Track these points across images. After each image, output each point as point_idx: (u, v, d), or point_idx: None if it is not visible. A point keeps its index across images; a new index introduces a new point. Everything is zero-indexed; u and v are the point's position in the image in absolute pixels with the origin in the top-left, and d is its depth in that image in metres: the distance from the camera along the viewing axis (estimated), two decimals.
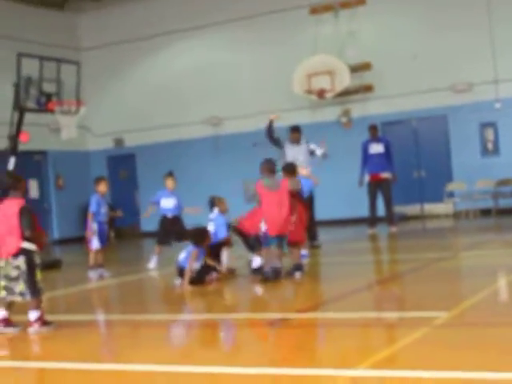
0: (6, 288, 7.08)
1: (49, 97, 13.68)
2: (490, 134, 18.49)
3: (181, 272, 9.47)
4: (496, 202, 18.02)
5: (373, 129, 15.89)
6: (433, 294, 8.08)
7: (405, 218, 18.62)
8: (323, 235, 14.20)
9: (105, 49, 22.76)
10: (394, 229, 15.46)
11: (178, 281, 9.44)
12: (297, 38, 20.02)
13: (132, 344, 6.45)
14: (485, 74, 18.26)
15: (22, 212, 7.04)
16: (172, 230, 12.04)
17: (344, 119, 19.85)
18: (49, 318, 7.23)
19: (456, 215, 18.63)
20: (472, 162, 18.47)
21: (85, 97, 15.93)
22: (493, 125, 18.39)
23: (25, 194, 7.36)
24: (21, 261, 7.01)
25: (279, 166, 10.33)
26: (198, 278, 9.37)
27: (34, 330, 7.05)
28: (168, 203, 12.22)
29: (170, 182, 12.30)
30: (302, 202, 9.95)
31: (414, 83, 18.86)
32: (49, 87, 13.68)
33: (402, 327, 6.29)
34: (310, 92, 19.30)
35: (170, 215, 12.21)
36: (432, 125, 19.14)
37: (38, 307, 7.10)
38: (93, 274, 11.42)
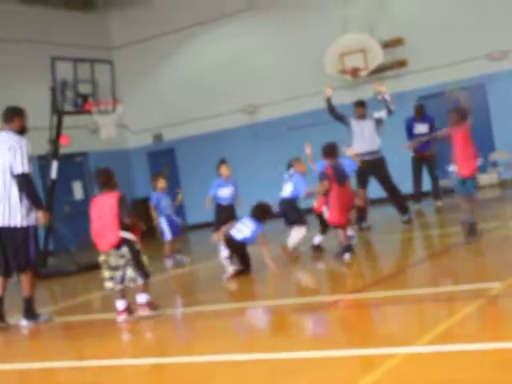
0: (111, 279, 7.32)
1: (85, 98, 13.82)
2: None
3: (232, 245, 9.37)
4: None
5: (419, 108, 15.67)
6: (485, 265, 8.01)
7: (449, 192, 18.42)
8: (374, 214, 14.15)
9: (136, 45, 22.83)
10: (439, 203, 15.34)
11: (229, 266, 9.33)
12: (327, 18, 19.84)
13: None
14: None
15: (121, 201, 7.31)
16: (227, 218, 11.63)
17: (380, 97, 19.64)
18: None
19: (501, 185, 18.37)
20: None
21: (120, 95, 16.04)
22: None
23: (117, 186, 7.60)
24: (124, 250, 7.28)
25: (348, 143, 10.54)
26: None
27: (143, 313, 7.27)
28: (225, 192, 11.70)
29: (224, 170, 11.72)
30: (343, 183, 9.82)
31: (449, 54, 18.58)
32: (84, 88, 13.82)
33: (457, 301, 6.23)
34: (343, 72, 19.16)
35: (224, 203, 11.71)
36: (470, 95, 18.85)
37: (146, 290, 7.34)
38: (168, 263, 11.78)
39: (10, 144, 7.82)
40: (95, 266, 12.51)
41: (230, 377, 4.85)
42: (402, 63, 19.14)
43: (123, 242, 7.26)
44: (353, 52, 18.96)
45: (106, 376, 5.45)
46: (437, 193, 15.51)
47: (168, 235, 11.85)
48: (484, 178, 18.74)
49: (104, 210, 7.34)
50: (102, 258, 7.39)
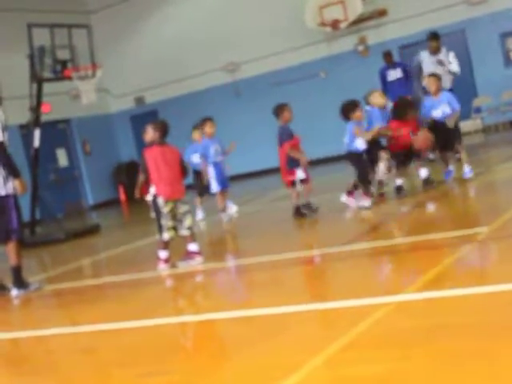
0: (174, 228, 7.65)
1: (64, 64, 13.67)
2: (510, 43, 18.12)
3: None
4: None
5: (387, 55, 15.60)
6: (471, 210, 8.08)
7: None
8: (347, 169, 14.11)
9: (113, 8, 22.55)
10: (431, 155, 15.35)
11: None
12: None
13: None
14: None
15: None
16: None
17: (361, 48, 19.56)
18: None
19: (485, 130, 18.41)
20: (495, 75, 18.15)
21: (100, 59, 15.88)
22: None
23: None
24: (187, 198, 7.73)
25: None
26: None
27: (197, 260, 7.57)
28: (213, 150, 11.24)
29: (209, 128, 11.24)
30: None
31: (428, 2, 18.46)
32: (63, 54, 13.66)
33: (445, 247, 6.27)
34: (323, 24, 19.02)
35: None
36: (451, 41, 18.76)
37: (195, 240, 7.68)
38: (224, 217, 11.03)
39: None
40: (83, 233, 12.49)
41: (230, 332, 4.90)
42: (382, 13, 19.01)
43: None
44: (332, 4, 18.80)
45: (101, 340, 5.48)
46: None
47: (215, 187, 10.98)
48: (467, 125, 18.78)
49: (172, 161, 7.69)
50: (169, 207, 7.62)
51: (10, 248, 7.88)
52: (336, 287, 5.65)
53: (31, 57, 13.26)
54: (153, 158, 7.70)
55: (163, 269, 7.71)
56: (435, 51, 12.04)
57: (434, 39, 12.15)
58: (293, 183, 9.58)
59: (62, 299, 7.66)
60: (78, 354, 5.27)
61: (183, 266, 7.60)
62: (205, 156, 11.11)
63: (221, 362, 4.35)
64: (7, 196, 7.86)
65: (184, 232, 7.66)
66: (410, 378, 3.38)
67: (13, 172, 7.86)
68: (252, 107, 20.57)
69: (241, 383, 3.79)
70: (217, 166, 11.13)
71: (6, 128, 7.90)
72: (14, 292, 7.92)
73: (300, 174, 9.55)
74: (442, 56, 12.22)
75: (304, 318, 4.95)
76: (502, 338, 3.62)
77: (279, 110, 9.80)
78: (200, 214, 11.79)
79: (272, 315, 5.07)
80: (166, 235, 7.67)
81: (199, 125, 11.45)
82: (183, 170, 7.82)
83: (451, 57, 12.15)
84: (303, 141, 9.85)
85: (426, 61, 12.08)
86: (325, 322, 4.65)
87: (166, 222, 7.64)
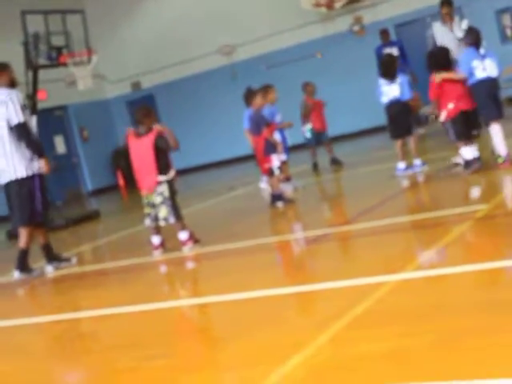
0: (149, 215, 7.63)
1: (59, 50, 13.62)
2: (507, 19, 18.06)
3: None
4: None
5: (384, 33, 15.56)
6: (468, 188, 8.07)
7: (427, 119, 18.40)
8: (344, 149, 14.14)
9: None
10: (420, 130, 15.33)
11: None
12: None
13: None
14: None
15: (157, 143, 7.44)
16: None
17: (356, 27, 19.49)
18: None
19: None
20: (492, 51, 18.07)
21: (95, 45, 15.83)
22: (509, 9, 17.94)
23: (154, 123, 7.65)
24: (164, 187, 7.53)
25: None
26: None
27: (188, 248, 7.56)
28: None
29: (273, 95, 10.97)
30: None
31: None
32: (57, 41, 13.61)
33: (444, 225, 6.27)
34: (318, 5, 18.95)
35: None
36: None
37: (185, 227, 7.62)
38: (287, 187, 10.48)
39: (2, 99, 7.85)
40: (83, 219, 12.49)
41: (231, 315, 4.92)
42: None
43: (163, 181, 7.54)
44: None
45: (103, 325, 5.51)
46: (417, 119, 15.48)
47: (281, 156, 10.01)
48: None
49: (141, 152, 7.52)
50: (144, 195, 7.67)
51: (25, 231, 7.92)
52: (335, 267, 5.66)
53: (26, 44, 13.20)
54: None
55: (157, 254, 7.72)
56: (447, 19, 11.25)
57: (445, 5, 11.35)
58: (270, 170, 9.44)
59: (63, 285, 7.68)
60: (81, 339, 5.30)
61: (186, 251, 7.60)
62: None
63: (223, 344, 4.36)
64: (33, 176, 7.89)
65: (161, 222, 7.65)
66: (413, 354, 3.41)
67: (37, 152, 7.88)
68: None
69: (244, 364, 3.81)
70: (282, 133, 10.90)
71: (24, 108, 7.91)
72: (16, 274, 7.99)
73: (276, 160, 9.44)
74: (455, 26, 11.36)
75: (306, 298, 4.98)
76: (501, 315, 3.64)
77: (250, 95, 9.68)
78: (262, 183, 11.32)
79: (273, 296, 5.09)
80: (145, 222, 7.75)
81: (261, 91, 10.37)
82: (163, 156, 7.52)
83: (464, 25, 11.19)
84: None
85: (440, 32, 11.36)
86: (327, 302, 4.67)
87: (144, 210, 7.71)
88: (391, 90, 9.77)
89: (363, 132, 18.96)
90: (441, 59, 8.91)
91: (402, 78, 9.89)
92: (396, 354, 3.46)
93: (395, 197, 8.43)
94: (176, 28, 21.56)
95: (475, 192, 7.88)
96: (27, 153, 7.86)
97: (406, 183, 9.32)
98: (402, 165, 9.69)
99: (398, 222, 6.75)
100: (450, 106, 8.66)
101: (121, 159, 21.28)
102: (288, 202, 9.37)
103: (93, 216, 13.55)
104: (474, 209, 6.45)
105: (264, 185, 11.21)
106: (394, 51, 15.25)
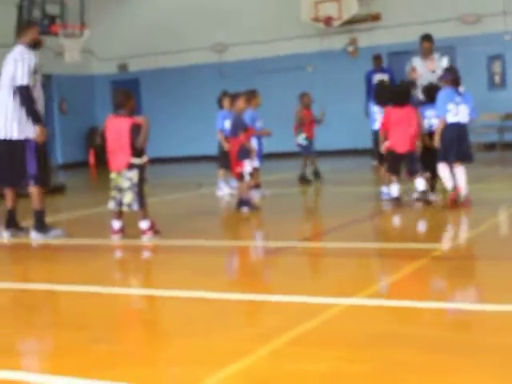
0: (114, 199, 7.57)
1: (52, 19, 13.56)
2: (497, 66, 18.30)
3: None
4: (501, 137, 17.93)
5: (377, 58, 15.70)
6: (432, 226, 8.16)
7: None
8: (326, 165, 14.21)
9: None
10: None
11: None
12: None
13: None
14: (494, 6, 17.96)
15: (134, 128, 7.40)
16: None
17: (351, 48, 19.63)
18: None
19: None
20: (478, 96, 18.24)
21: (89, 20, 15.76)
22: (501, 57, 18.18)
23: (134, 111, 7.63)
24: (134, 172, 7.47)
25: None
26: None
27: (147, 237, 7.53)
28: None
29: (258, 100, 11.11)
30: None
31: (423, 13, 18.56)
32: (52, 9, 13.53)
33: (400, 258, 6.33)
34: (316, 20, 19.05)
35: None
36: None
37: (147, 217, 7.57)
38: (255, 194, 10.38)
39: (15, 56, 7.80)
40: (48, 191, 12.42)
41: (181, 311, 4.93)
42: (375, 17, 19.08)
43: (134, 165, 7.49)
44: (328, 0, 18.82)
45: (51, 300, 5.47)
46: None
47: (255, 162, 10.07)
48: None
49: (118, 132, 7.48)
50: (112, 177, 7.61)
51: (32, 192, 7.92)
52: (289, 281, 5.68)
53: (20, 7, 13.11)
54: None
55: (115, 239, 7.69)
56: (427, 54, 11.39)
57: (426, 40, 11.51)
58: (240, 175, 9.44)
59: (19, 254, 7.62)
60: (26, 312, 5.25)
61: (145, 241, 7.58)
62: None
63: (166, 341, 4.37)
64: (26, 140, 7.80)
65: (124, 208, 7.61)
66: (348, 380, 3.43)
67: (34, 118, 7.78)
68: (235, 90, 20.47)
69: (183, 363, 3.82)
70: (260, 140, 10.87)
71: (37, 72, 7.80)
72: (33, 235, 7.98)
73: (249, 166, 9.44)
74: (434, 60, 11.44)
75: (256, 307, 5.00)
76: (440, 354, 3.69)
77: (233, 98, 9.71)
78: (224, 189, 11.38)
79: (223, 300, 5.10)
80: (109, 204, 7.71)
81: (246, 95, 10.38)
82: (136, 142, 7.47)
83: (444, 62, 11.48)
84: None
85: (419, 67, 11.47)
86: (275, 315, 4.69)
87: (110, 192, 7.68)
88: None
89: (342, 152, 19.08)
90: (401, 95, 9.21)
91: None
92: (332, 378, 3.48)
93: (363, 220, 8.48)
94: (172, 17, 21.52)
95: (437, 229, 7.97)
96: (24, 116, 7.77)
97: (379, 208, 9.39)
98: (386, 189, 9.71)
99: (359, 247, 6.80)
100: (388, 143, 9.08)
101: (96, 138, 21.18)
102: (254, 208, 9.39)
103: (58, 189, 13.44)
104: (432, 247, 6.54)
105: (221, 192, 11.25)
106: (385, 78, 15.37)
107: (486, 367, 3.48)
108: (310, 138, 12.88)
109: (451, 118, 8.68)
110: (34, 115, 7.79)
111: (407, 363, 3.61)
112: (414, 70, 10.94)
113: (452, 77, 8.85)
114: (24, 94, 7.72)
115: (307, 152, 12.82)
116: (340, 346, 3.92)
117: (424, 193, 9.04)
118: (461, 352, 3.72)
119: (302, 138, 12.83)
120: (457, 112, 8.71)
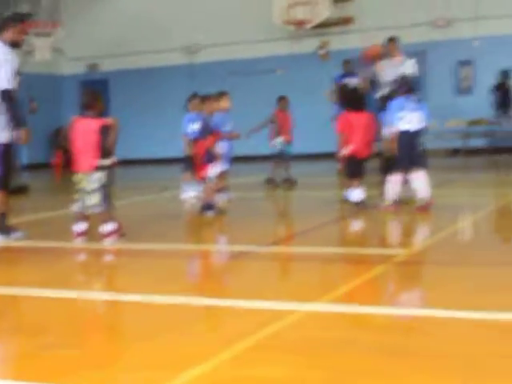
0: (79, 201, 7.47)
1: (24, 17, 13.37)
2: (466, 72, 18.43)
3: None
4: (466, 142, 18.06)
5: (347, 63, 15.74)
6: (395, 231, 8.19)
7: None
8: (294, 169, 14.20)
9: None
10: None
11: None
12: None
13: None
14: (465, 11, 18.09)
15: (103, 130, 7.31)
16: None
17: (322, 51, 19.67)
18: None
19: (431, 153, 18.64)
20: (445, 101, 18.45)
21: (61, 19, 15.62)
22: (469, 63, 18.31)
23: (102, 113, 7.51)
24: (101, 174, 7.36)
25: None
26: None
27: (111, 240, 7.41)
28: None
29: (227, 103, 10.92)
30: None
31: (395, 17, 18.66)
32: (24, 7, 13.38)
33: (362, 263, 6.36)
34: (288, 22, 19.07)
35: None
36: None
37: (112, 219, 7.45)
38: (220, 198, 10.13)
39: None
40: (10, 192, 12.24)
41: (141, 316, 4.87)
42: (347, 20, 19.15)
43: (102, 167, 7.38)
44: (300, 3, 18.86)
45: (7, 303, 5.39)
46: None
47: (222, 165, 9.95)
48: None
49: (86, 133, 7.36)
50: (78, 179, 7.46)
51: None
52: (252, 286, 5.65)
53: None
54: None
55: (78, 242, 7.59)
56: (392, 54, 11.58)
57: (392, 41, 11.81)
58: (205, 178, 9.40)
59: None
60: None
61: (108, 244, 7.50)
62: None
63: (125, 345, 4.31)
64: None
65: (89, 210, 7.52)
66: None
67: (16, 122, 7.62)
68: (206, 92, 20.43)
69: (143, 367, 3.76)
70: (229, 143, 10.74)
71: (18, 74, 7.71)
72: None
73: (214, 170, 9.40)
74: (398, 62, 11.63)
75: (218, 311, 4.96)
76: (400, 360, 3.69)
77: (203, 100, 9.73)
78: (189, 192, 10.90)
79: (184, 304, 5.05)
80: (73, 207, 7.63)
81: (214, 96, 10.54)
82: (105, 143, 7.41)
83: (411, 62, 11.63)
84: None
85: (385, 66, 11.57)
86: (236, 319, 4.65)
87: (75, 195, 7.59)
88: None
89: (311, 156, 19.10)
90: (356, 100, 9.38)
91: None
92: (289, 383, 3.46)
93: (328, 225, 8.48)
94: (143, 19, 21.43)
95: (399, 235, 8.00)
96: (1, 121, 7.60)
97: (343, 213, 9.40)
98: (349, 193, 9.70)
99: (323, 252, 6.79)
100: (349, 148, 9.15)
101: (62, 139, 20.99)
102: (218, 212, 9.33)
103: (21, 190, 13.28)
104: (393, 252, 6.56)
105: (185, 195, 11.11)
106: (355, 81, 15.38)
107: (438, 371, 3.48)
108: (288, 142, 12.88)
109: (403, 126, 8.82)
110: (18, 119, 7.66)
111: (365, 369, 3.60)
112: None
113: (405, 88, 8.98)
114: (8, 99, 7.59)
115: (281, 156, 12.82)
116: (298, 352, 3.90)
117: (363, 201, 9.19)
118: (416, 357, 3.72)
119: (278, 142, 12.81)
120: (410, 119, 8.83)
